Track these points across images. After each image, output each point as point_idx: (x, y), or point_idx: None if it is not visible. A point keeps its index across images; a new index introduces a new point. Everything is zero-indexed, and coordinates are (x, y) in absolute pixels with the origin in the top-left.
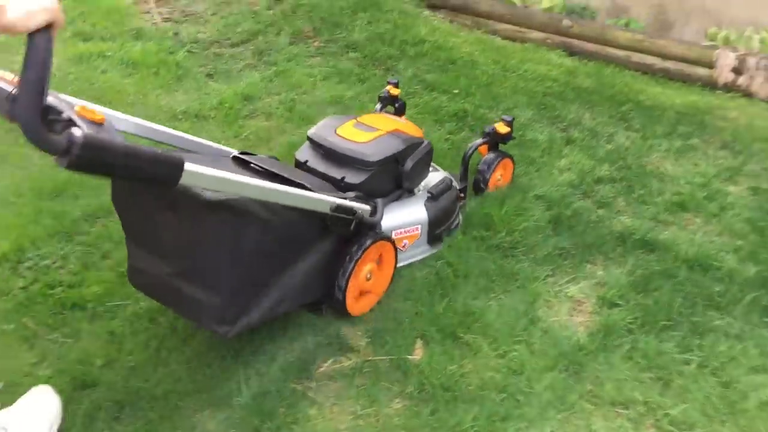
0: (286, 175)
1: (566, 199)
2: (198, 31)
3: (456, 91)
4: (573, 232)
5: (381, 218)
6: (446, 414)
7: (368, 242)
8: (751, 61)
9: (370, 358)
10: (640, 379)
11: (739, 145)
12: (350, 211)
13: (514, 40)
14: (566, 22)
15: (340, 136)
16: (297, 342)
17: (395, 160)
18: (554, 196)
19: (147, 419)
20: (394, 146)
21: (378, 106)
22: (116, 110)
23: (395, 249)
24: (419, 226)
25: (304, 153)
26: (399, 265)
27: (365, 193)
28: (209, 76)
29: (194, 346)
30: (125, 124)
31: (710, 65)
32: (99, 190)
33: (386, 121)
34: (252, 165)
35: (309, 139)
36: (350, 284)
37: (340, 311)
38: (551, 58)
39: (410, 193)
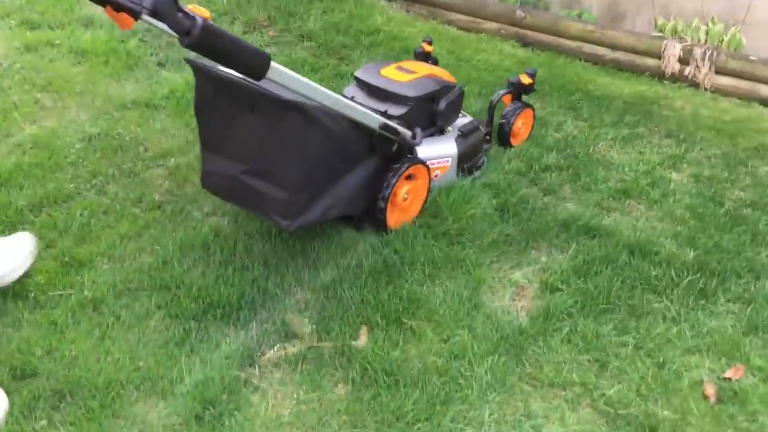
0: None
1: (513, 186)
2: None
3: None
4: (519, 219)
5: (420, 142)
6: (387, 398)
7: (406, 165)
8: (697, 52)
9: (314, 345)
10: (578, 361)
11: (684, 133)
12: (394, 131)
13: (469, 30)
14: (519, 12)
15: (383, 76)
16: (242, 329)
17: (431, 99)
18: (501, 183)
19: (87, 408)
20: (430, 86)
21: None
22: (64, 100)
23: (429, 173)
24: (450, 159)
25: (351, 90)
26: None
27: (405, 125)
28: (161, 65)
29: (138, 334)
30: None
31: (658, 56)
32: (44, 180)
33: (424, 67)
34: None
35: (356, 78)
36: (390, 201)
37: (380, 225)
38: (504, 48)
39: (442, 132)
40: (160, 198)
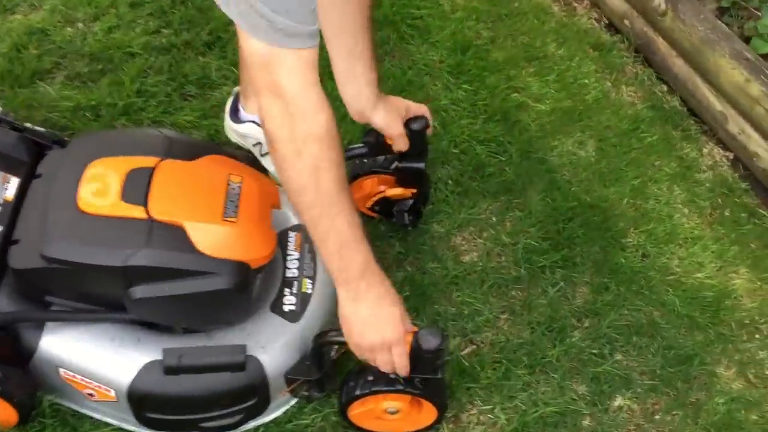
0: None
1: None
2: None
3: None
4: None
5: None
6: None
7: None
8: None
9: None
10: None
11: None
12: None
13: None
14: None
15: (79, 198)
16: None
17: (111, 274)
18: None
19: None
20: (109, 254)
21: (362, 145)
22: None
23: (17, 408)
24: (113, 391)
25: (48, 164)
26: (86, 411)
27: (37, 290)
28: None
29: None
30: None
31: None
32: None
33: (202, 194)
34: None
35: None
36: None
37: None
38: (588, 68)
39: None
40: None
